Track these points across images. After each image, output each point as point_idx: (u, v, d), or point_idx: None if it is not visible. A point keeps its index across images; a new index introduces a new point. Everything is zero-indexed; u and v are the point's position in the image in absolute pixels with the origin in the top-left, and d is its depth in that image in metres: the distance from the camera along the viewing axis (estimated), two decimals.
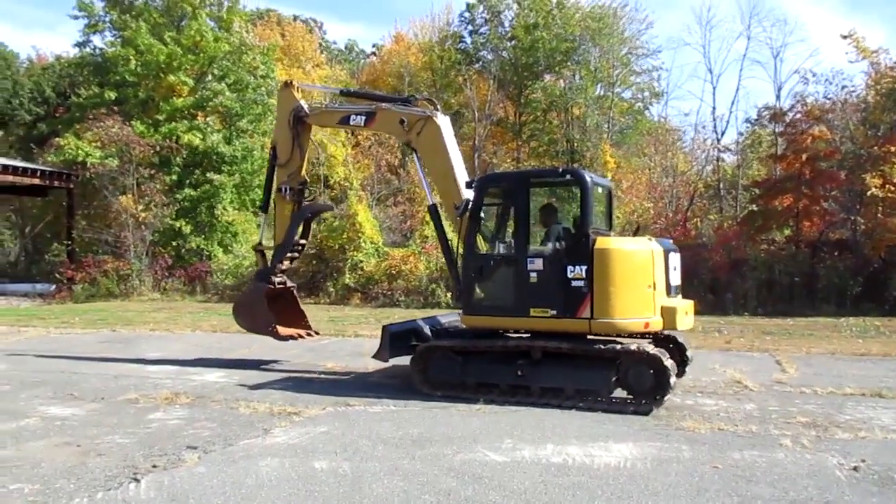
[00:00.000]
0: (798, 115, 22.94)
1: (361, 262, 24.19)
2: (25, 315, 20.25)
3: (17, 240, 35.89)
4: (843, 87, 22.48)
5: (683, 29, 49.17)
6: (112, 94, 29.22)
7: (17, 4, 76.92)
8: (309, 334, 11.38)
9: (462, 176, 9.44)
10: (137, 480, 5.35)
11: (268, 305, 10.76)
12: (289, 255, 11.11)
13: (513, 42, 36.15)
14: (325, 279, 24.57)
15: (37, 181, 27.17)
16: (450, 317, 10.34)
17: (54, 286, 26.94)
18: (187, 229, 27.61)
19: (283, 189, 10.89)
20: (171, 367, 10.89)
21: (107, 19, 32.33)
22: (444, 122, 9.71)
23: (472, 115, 33.06)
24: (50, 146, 31.53)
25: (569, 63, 33.74)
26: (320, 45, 47.99)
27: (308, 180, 11.37)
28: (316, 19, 53.84)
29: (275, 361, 11.33)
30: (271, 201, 11.24)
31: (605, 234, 8.65)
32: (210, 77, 30.03)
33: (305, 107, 10.85)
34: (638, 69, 36.89)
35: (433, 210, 9.82)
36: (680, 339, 9.10)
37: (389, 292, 22.88)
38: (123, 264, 26.52)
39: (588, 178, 8.31)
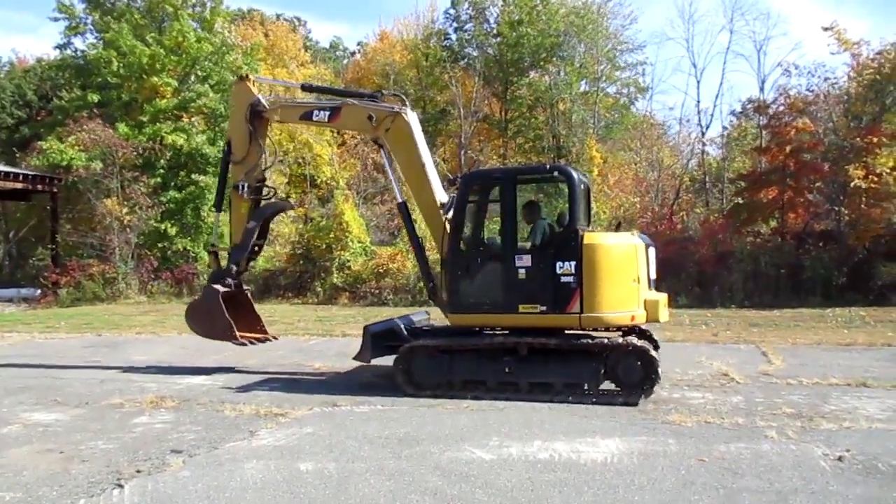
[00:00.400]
0: (781, 108, 23.06)
1: (349, 261, 24.14)
2: (10, 320, 20.07)
3: (0, 245, 35.54)
4: (826, 80, 22.63)
5: (667, 23, 49.30)
6: (95, 97, 28.98)
7: (1, 10, 76.22)
8: (266, 339, 11.13)
9: (433, 172, 9.38)
10: (121, 486, 5.30)
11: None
12: (246, 255, 10.73)
13: (498, 39, 36.13)
14: (312, 279, 24.50)
15: (20, 185, 26.91)
16: (420, 315, 10.26)
17: (39, 291, 26.70)
18: (173, 231, 27.43)
19: (241, 186, 10.58)
20: (156, 370, 10.81)
21: (88, 21, 32.07)
22: (412, 117, 9.60)
23: (458, 112, 33.01)
24: (33, 150, 31.25)
25: (554, 59, 33.75)
26: (304, 44, 47.79)
27: (266, 178, 11.15)
28: (300, 18, 53.66)
29: (262, 363, 11.27)
30: (225, 199, 11.00)
31: (588, 229, 8.70)
32: (193, 78, 29.85)
33: (263, 101, 10.57)
34: (622, 64, 36.97)
35: (403, 208, 9.76)
36: (645, 329, 9.17)
37: (377, 291, 22.83)
38: (109, 268, 26.31)
39: (575, 175, 8.38)
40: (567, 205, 8.34)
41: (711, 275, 20.70)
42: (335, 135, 33.13)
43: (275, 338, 11.45)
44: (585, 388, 7.99)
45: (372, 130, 9.69)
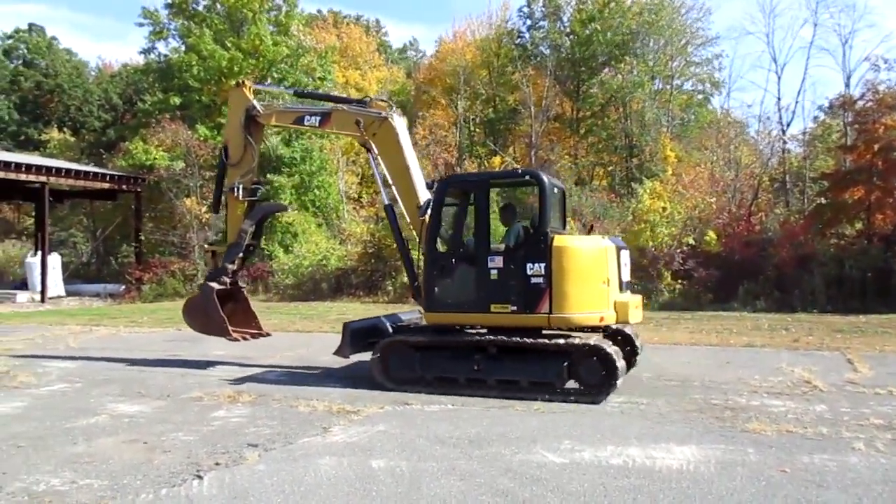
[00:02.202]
0: (869, 104, 22.02)
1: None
2: (97, 314, 21.01)
3: (89, 242, 37.23)
4: None
5: (746, 18, 47.91)
6: (176, 100, 30.09)
7: (91, 17, 79.91)
8: (260, 335, 11.48)
9: (418, 175, 9.70)
10: (200, 477, 5.46)
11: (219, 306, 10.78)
12: (240, 255, 11.12)
13: (570, 37, 35.77)
14: (383, 278, 24.76)
15: (106, 185, 28.16)
16: (411, 314, 10.45)
17: (124, 286, 27.88)
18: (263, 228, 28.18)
19: (236, 188, 10.95)
20: (233, 365, 11.12)
21: (171, 26, 33.31)
22: (399, 122, 9.92)
23: (529, 111, 32.81)
24: (118, 151, 32.67)
25: (626, 57, 33.19)
26: (378, 46, 48.40)
27: (262, 180, 11.46)
28: (378, 20, 54.37)
29: (333, 361, 11.41)
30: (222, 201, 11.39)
31: (561, 232, 8.94)
32: (269, 80, 30.61)
33: (258, 106, 10.94)
34: (697, 60, 36.06)
35: (389, 210, 9.98)
36: (628, 332, 9.32)
37: None
38: (189, 264, 27.26)
39: (546, 179, 8.63)
40: (538, 208, 8.52)
41: (792, 278, 19.95)
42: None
43: (268, 334, 11.84)
44: (551, 386, 8.17)
45: (360, 135, 9.98)
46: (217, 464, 5.80)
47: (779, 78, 28.71)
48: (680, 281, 21.10)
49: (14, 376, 10.00)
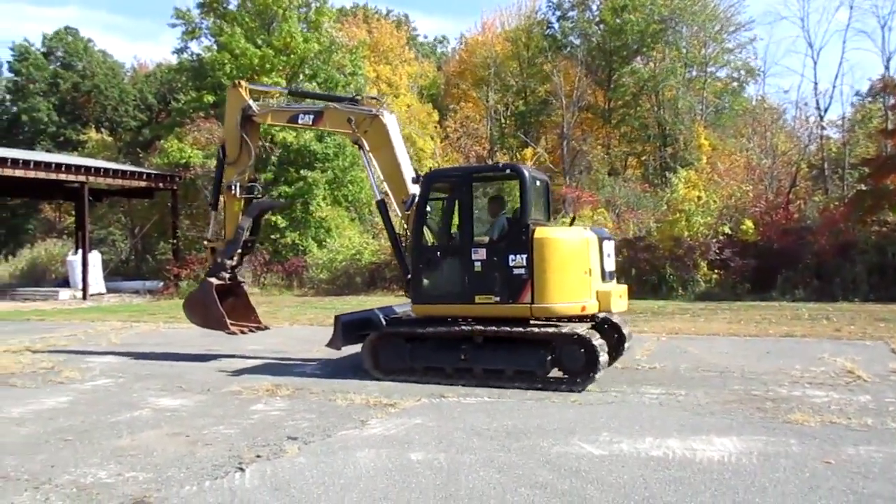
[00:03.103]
0: None
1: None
2: (137, 311, 21.40)
3: (127, 240, 37.93)
4: None
5: (779, 2, 46.81)
6: (210, 98, 30.42)
7: (124, 19, 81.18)
8: (259, 328, 11.76)
9: (409, 172, 9.86)
10: (242, 470, 5.54)
11: (218, 301, 11.04)
12: (238, 251, 11.33)
13: (601, 26, 35.40)
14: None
15: (143, 184, 28.64)
16: (405, 306, 10.49)
17: (162, 283, 28.34)
18: (283, 224, 28.45)
19: (233, 186, 11.16)
20: (270, 359, 11.25)
21: (203, 25, 33.67)
22: (390, 119, 10.10)
23: (560, 102, 32.58)
24: (154, 150, 33.16)
25: (658, 45, 32.77)
26: (409, 40, 48.39)
27: (258, 178, 11.61)
28: (408, 15, 54.38)
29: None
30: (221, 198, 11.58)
31: (543, 224, 9.08)
32: (301, 77, 30.81)
33: (254, 106, 11.13)
34: (731, 45, 35.43)
35: (381, 205, 10.13)
36: (615, 320, 9.41)
37: None
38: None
39: (526, 172, 8.83)
40: (519, 201, 8.67)
41: (832, 266, 19.58)
42: (437, 128, 33.39)
43: (267, 327, 12.13)
44: (535, 375, 8.37)
45: (352, 132, 10.17)
46: (258, 456, 5.88)
47: (815, 63, 28.38)
48: (716, 271, 20.82)
49: (59, 371, 10.23)
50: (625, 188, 26.51)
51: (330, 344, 9.71)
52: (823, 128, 27.55)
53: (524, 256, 8.38)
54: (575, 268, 8.42)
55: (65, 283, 28.96)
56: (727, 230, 21.62)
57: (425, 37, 58.18)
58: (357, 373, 9.77)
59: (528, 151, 31.98)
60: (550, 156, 33.00)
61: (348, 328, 9.61)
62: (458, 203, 9.05)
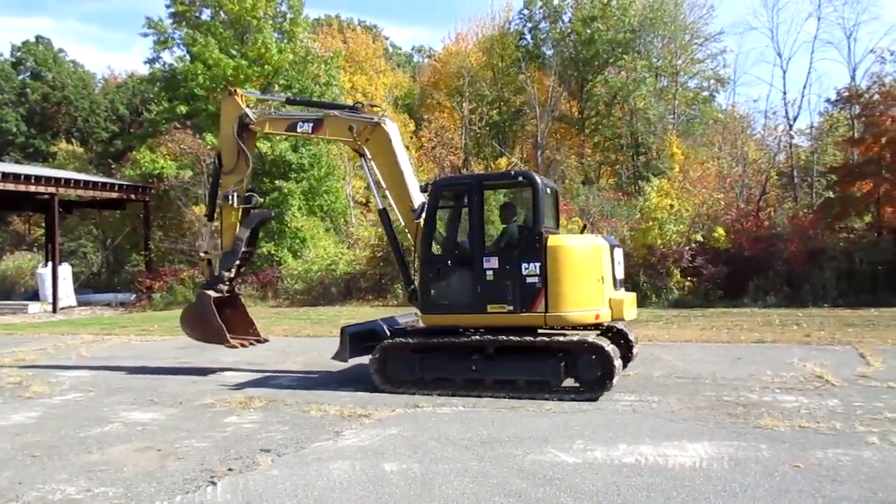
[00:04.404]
0: (876, 97, 21.93)
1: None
2: (108, 324, 21.11)
3: (98, 252, 37.44)
4: None
5: (749, 13, 47.75)
6: (183, 108, 30.23)
7: (96, 29, 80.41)
8: (258, 341, 11.51)
9: (412, 179, 9.76)
10: (214, 483, 5.48)
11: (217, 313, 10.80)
12: (236, 262, 11.11)
13: (572, 36, 35.75)
14: (392, 281, 24.78)
15: (115, 195, 28.35)
16: (407, 317, 10.46)
17: (134, 295, 28.03)
18: (259, 235, 28.24)
19: (230, 196, 10.97)
20: (244, 371, 11.15)
21: (175, 36, 33.46)
22: (392, 127, 9.95)
23: (535, 112, 32.80)
24: (126, 161, 32.86)
25: (629, 55, 33.15)
26: (385, 50, 48.47)
27: (255, 188, 11.47)
28: (377, 25, 54.45)
29: (344, 365, 11.44)
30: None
31: (554, 232, 9.02)
32: (276, 87, 30.72)
33: (251, 114, 10.96)
34: (701, 56, 35.94)
35: (383, 214, 10.02)
36: (621, 327, 9.38)
37: None
38: (198, 272, 27.32)
39: (539, 180, 8.67)
40: (532, 209, 8.58)
41: (802, 273, 19.88)
42: (412, 139, 33.46)
43: (266, 339, 11.85)
44: (548, 385, 8.24)
45: (353, 140, 10.04)
46: (230, 470, 5.83)
47: (784, 72, 28.72)
48: (689, 278, 21.04)
49: (27, 386, 10.06)
50: (598, 197, 26.71)
51: (336, 356, 9.50)
52: (792, 136, 28.04)
53: (537, 265, 8.26)
54: (588, 276, 8.33)
55: (34, 296, 28.52)
56: (699, 238, 21.87)
57: (401, 48, 58.39)
58: (332, 384, 9.74)
59: (503, 161, 32.13)
60: (525, 165, 33.16)
61: (355, 339, 9.41)
62: (469, 211, 8.89)
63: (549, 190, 9.18)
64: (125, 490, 5.39)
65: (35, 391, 9.70)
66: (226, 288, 11.19)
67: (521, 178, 9.10)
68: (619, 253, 9.15)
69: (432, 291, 8.96)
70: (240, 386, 9.79)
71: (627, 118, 33.00)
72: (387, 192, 9.95)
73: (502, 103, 37.60)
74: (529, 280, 8.29)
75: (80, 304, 27.91)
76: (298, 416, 7.77)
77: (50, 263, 27.10)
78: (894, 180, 20.37)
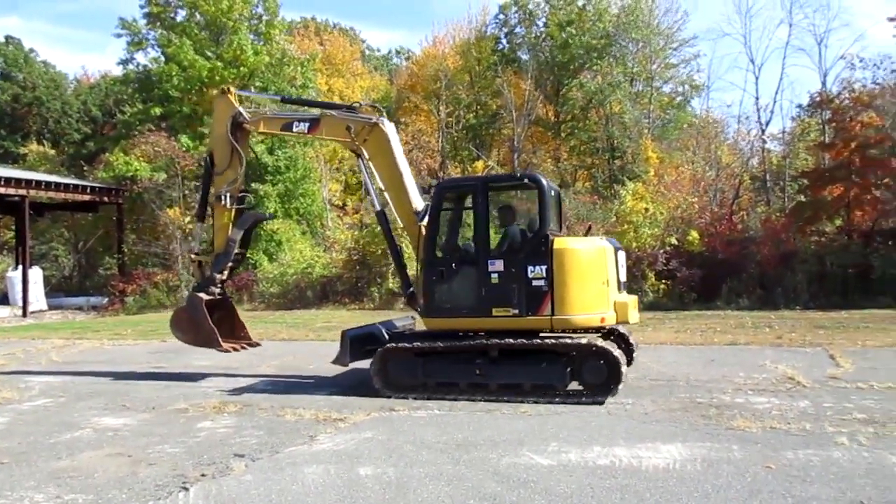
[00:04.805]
0: (846, 102, 22.30)
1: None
2: (80, 328, 20.82)
3: (70, 255, 36.91)
4: (893, 72, 21.83)
5: (723, 19, 48.35)
6: (157, 110, 29.94)
7: (68, 29, 79.40)
8: (250, 345, 11.30)
9: (410, 181, 9.63)
10: (186, 489, 5.42)
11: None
12: (229, 264, 10.92)
13: (546, 42, 35.93)
14: (368, 284, 24.73)
15: (87, 197, 27.97)
16: (405, 320, 10.38)
17: (107, 299, 27.66)
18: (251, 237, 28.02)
19: (223, 197, 10.78)
20: (219, 375, 11.05)
21: (150, 36, 33.11)
22: (390, 128, 9.84)
23: (511, 115, 32.91)
24: (99, 163, 32.46)
25: (605, 59, 33.40)
26: (362, 54, 48.35)
27: (248, 188, 11.27)
28: (354, 28, 54.31)
29: (320, 368, 11.41)
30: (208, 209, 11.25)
31: (559, 234, 8.94)
32: (252, 90, 30.52)
33: (245, 113, 10.78)
34: (675, 61, 36.30)
35: (381, 216, 9.88)
36: (621, 330, 9.38)
37: None
38: (172, 275, 27.10)
39: (545, 182, 8.62)
40: (538, 211, 8.51)
41: (774, 276, 20.14)
42: None
43: (258, 343, 11.63)
44: (554, 389, 8.26)
45: (350, 141, 9.88)
46: (203, 475, 5.77)
47: (756, 78, 29.09)
48: (664, 281, 21.21)
49: None
50: (574, 200, 26.85)
51: (336, 360, 9.30)
52: (765, 141, 28.41)
53: (544, 268, 8.19)
54: (594, 279, 8.28)
55: (4, 299, 28.01)
56: (674, 241, 22.05)
57: (378, 49, 58.30)
58: (307, 388, 9.69)
59: (480, 164, 32.19)
60: (502, 168, 33.26)
61: (356, 343, 9.23)
62: (474, 213, 8.79)
63: (553, 192, 9.05)
64: (95, 497, 5.31)
65: (4, 397, 9.53)
66: (217, 290, 10.95)
67: (526, 180, 9.01)
68: (622, 256, 9.11)
69: (435, 294, 8.81)
70: (214, 390, 9.69)
71: (603, 122, 33.21)
72: (385, 194, 9.78)
73: (479, 107, 37.67)
74: (535, 283, 8.22)
75: (52, 307, 27.49)
76: (273, 421, 7.72)
77: (20, 267, 26.65)
78: (864, 184, 20.72)
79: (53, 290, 30.60)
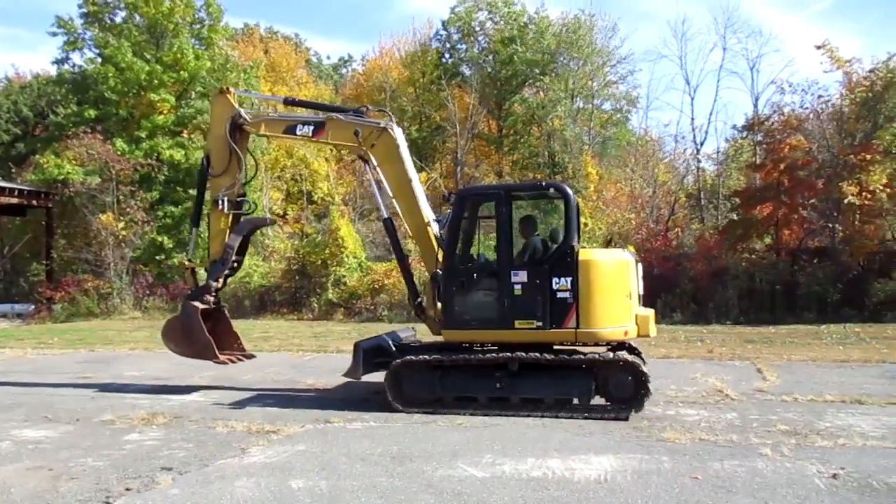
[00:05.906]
0: (775, 125, 23.18)
1: (344, 276, 24.09)
2: (3, 336, 19.96)
3: None
4: (819, 97, 22.82)
5: (660, 42, 49.79)
6: (92, 112, 29.03)
7: (1, 27, 76.59)
8: (245, 356, 10.84)
9: (419, 187, 9.39)
10: None
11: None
12: (225, 272, 10.42)
13: (491, 56, 36.32)
14: (308, 295, 24.46)
15: (15, 200, 26.91)
16: (407, 332, 10.10)
17: (33, 306, 26.62)
18: (170, 245, 27.36)
19: (220, 201, 10.31)
20: (149, 386, 10.75)
21: (86, 36, 32.12)
22: (398, 133, 9.56)
23: (455, 128, 33.11)
24: (28, 165, 31.27)
25: (547, 76, 33.93)
26: (308, 62, 47.93)
27: (246, 192, 10.92)
28: (298, 34, 53.86)
29: (255, 379, 11.21)
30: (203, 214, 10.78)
31: (582, 245, 8.78)
32: (193, 95, 29.94)
33: (244, 114, 10.38)
34: (614, 78, 37.09)
35: (389, 223, 9.71)
36: (633, 344, 9.17)
37: (373, 307, 22.83)
38: (104, 283, 26.27)
39: (571, 192, 8.43)
40: (563, 221, 8.32)
41: (706, 291, 20.71)
42: (332, 152, 33.20)
43: (253, 356, 11.16)
44: (576, 403, 8.07)
45: (358, 146, 9.54)
46: (128, 489, 5.59)
47: (692, 99, 30.21)
48: None
49: None
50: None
51: (348, 373, 8.87)
52: (699, 160, 29.33)
53: (569, 279, 7.96)
54: (619, 291, 8.09)
55: None
56: None
57: (328, 57, 57.93)
58: (241, 399, 9.51)
59: (423, 176, 32.22)
60: (444, 181, 33.37)
61: (368, 355, 8.80)
62: (497, 223, 8.47)
63: (575, 202, 8.77)
64: None
65: None
66: (212, 299, 10.37)
67: (552, 190, 8.85)
68: (639, 268, 8.89)
69: (455, 305, 8.47)
70: (143, 401, 9.40)
71: (545, 138, 33.69)
72: (393, 201, 9.49)
73: (423, 119, 37.79)
74: (560, 295, 7.98)
75: None
76: (203, 433, 7.53)
77: None
78: (791, 204, 21.55)
79: None
